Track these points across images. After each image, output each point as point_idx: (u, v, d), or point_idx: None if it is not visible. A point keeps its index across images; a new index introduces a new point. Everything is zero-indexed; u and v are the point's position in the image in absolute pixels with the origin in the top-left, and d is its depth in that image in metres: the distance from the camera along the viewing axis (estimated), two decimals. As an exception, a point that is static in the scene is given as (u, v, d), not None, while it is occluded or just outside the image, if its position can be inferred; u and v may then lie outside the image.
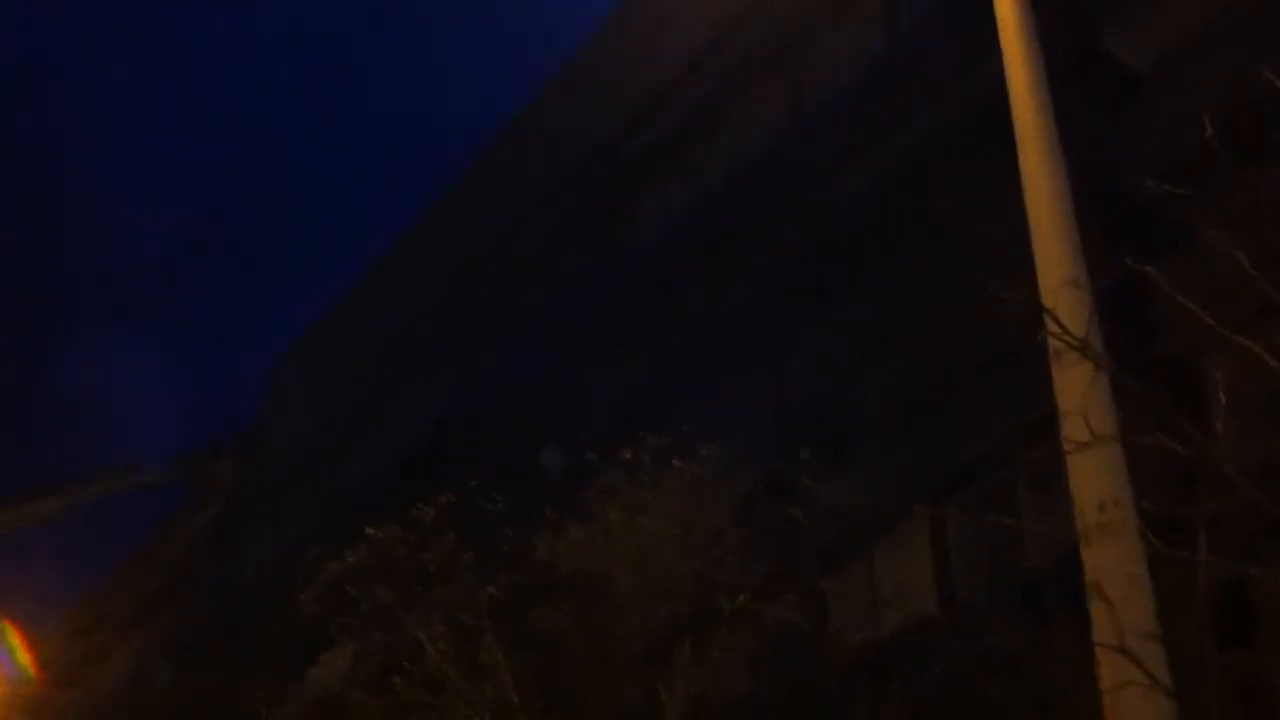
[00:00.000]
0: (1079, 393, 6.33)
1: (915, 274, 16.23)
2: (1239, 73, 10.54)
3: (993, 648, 8.85)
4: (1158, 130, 13.77)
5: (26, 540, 27.08)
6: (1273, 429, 9.08)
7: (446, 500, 15.41)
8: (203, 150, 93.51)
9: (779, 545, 14.30)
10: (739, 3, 21.23)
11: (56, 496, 27.27)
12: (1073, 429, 6.31)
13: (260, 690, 19.71)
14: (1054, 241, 6.98)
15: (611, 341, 21.88)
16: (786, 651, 13.69)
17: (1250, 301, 6.58)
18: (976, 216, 14.01)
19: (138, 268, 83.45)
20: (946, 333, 15.34)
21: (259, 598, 28.24)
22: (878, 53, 18.99)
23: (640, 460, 14.31)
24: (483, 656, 14.42)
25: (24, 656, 28.89)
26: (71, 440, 66.23)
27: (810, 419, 16.99)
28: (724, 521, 14.12)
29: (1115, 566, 6.06)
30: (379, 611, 15.25)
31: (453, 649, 14.61)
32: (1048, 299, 6.67)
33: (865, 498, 8.69)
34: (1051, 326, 6.44)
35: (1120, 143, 13.96)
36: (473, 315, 26.88)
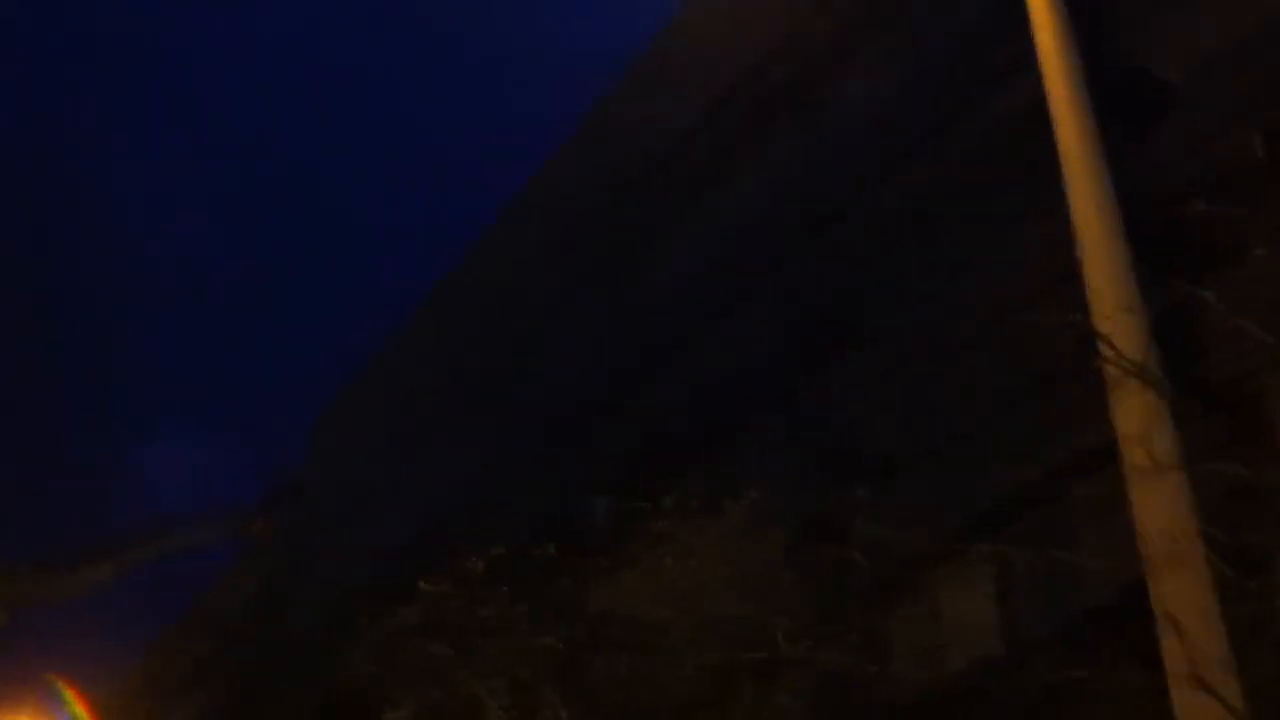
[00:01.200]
0: (1139, 420, 6.21)
1: (948, 301, 16.10)
2: (1277, 83, 10.42)
3: (1058, 684, 8.66)
4: (1194, 145, 13.62)
5: (78, 603, 27.20)
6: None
7: (496, 552, 15.37)
8: (242, 200, 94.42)
9: (833, 585, 14.13)
10: (757, 47, 21.29)
11: (107, 562, 27.37)
12: (1134, 456, 6.18)
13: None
14: (1105, 266, 6.88)
15: (647, 385, 21.82)
16: (849, 694, 13.49)
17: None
18: (1011, 239, 13.94)
19: (181, 327, 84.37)
20: (988, 359, 15.18)
21: (310, 655, 28.22)
22: (905, 73, 18.92)
23: (688, 505, 14.23)
24: (544, 712, 14.31)
25: None
26: (117, 506, 66.74)
27: (855, 453, 16.82)
28: (776, 563, 13.99)
29: (1185, 597, 5.92)
30: (435, 667, 15.18)
31: (513, 703, 14.52)
32: (1102, 325, 6.55)
33: (921, 532, 8.55)
34: (1107, 353, 6.32)
35: (1156, 159, 13.82)
36: (506, 364, 26.90)
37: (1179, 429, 6.44)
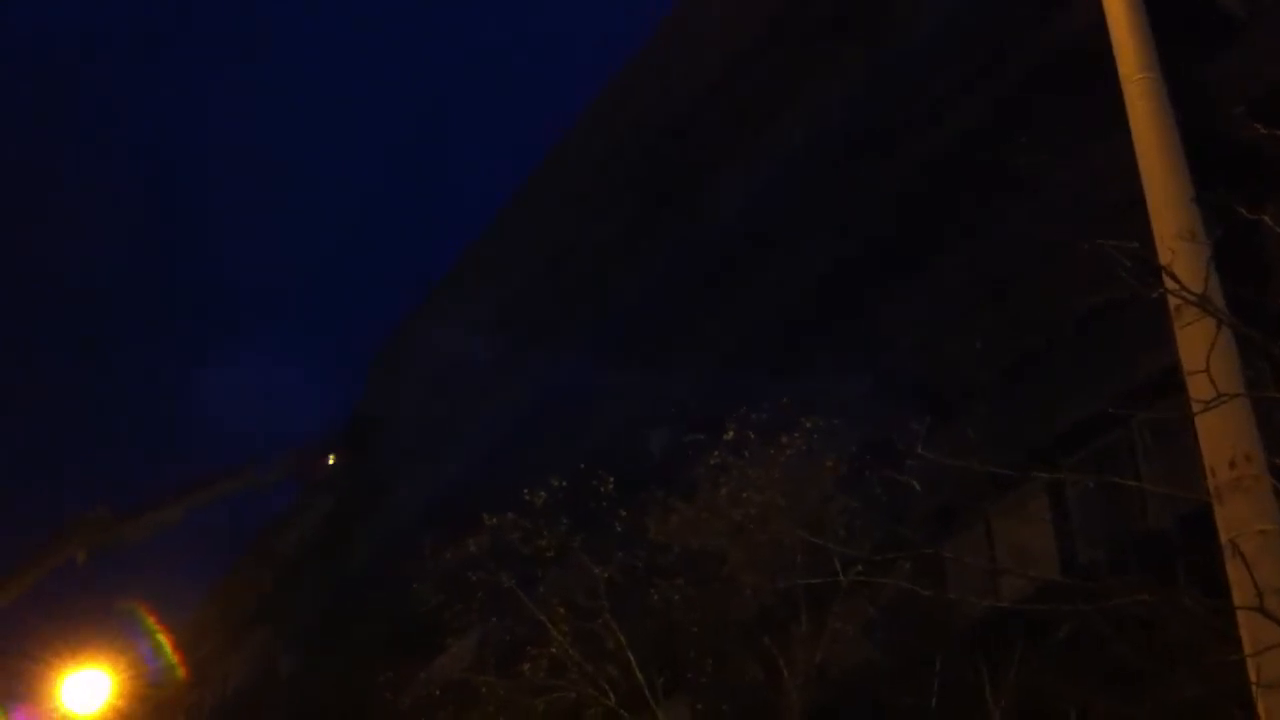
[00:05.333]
0: (1202, 349, 6.15)
1: (1013, 230, 15.98)
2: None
3: (1117, 609, 8.70)
4: (1257, 72, 13.42)
5: (149, 544, 27.87)
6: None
7: (557, 484, 15.57)
8: (301, 153, 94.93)
9: (890, 513, 14.22)
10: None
11: (176, 505, 27.99)
12: (1198, 386, 6.14)
13: (382, 679, 20.04)
14: (1166, 191, 6.77)
15: (704, 319, 21.85)
16: (905, 621, 13.62)
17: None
18: (1073, 166, 13.80)
19: (244, 274, 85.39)
20: (1050, 288, 15.09)
21: (375, 588, 28.71)
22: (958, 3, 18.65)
23: (744, 436, 14.32)
24: (603, 637, 14.56)
25: (172, 657, 29.82)
26: (183, 447, 67.97)
27: (912, 383, 16.82)
28: (831, 492, 14.09)
29: (1250, 525, 5.91)
30: (499, 597, 15.46)
31: (573, 630, 14.77)
32: (1163, 253, 6.48)
33: (980, 460, 8.56)
34: (1169, 282, 6.27)
35: (1218, 86, 13.60)
36: (564, 300, 26.99)
37: (1242, 356, 6.39)
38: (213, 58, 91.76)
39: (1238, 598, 5.72)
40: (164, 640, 29.27)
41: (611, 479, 15.46)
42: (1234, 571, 5.81)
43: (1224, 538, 5.89)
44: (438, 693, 17.66)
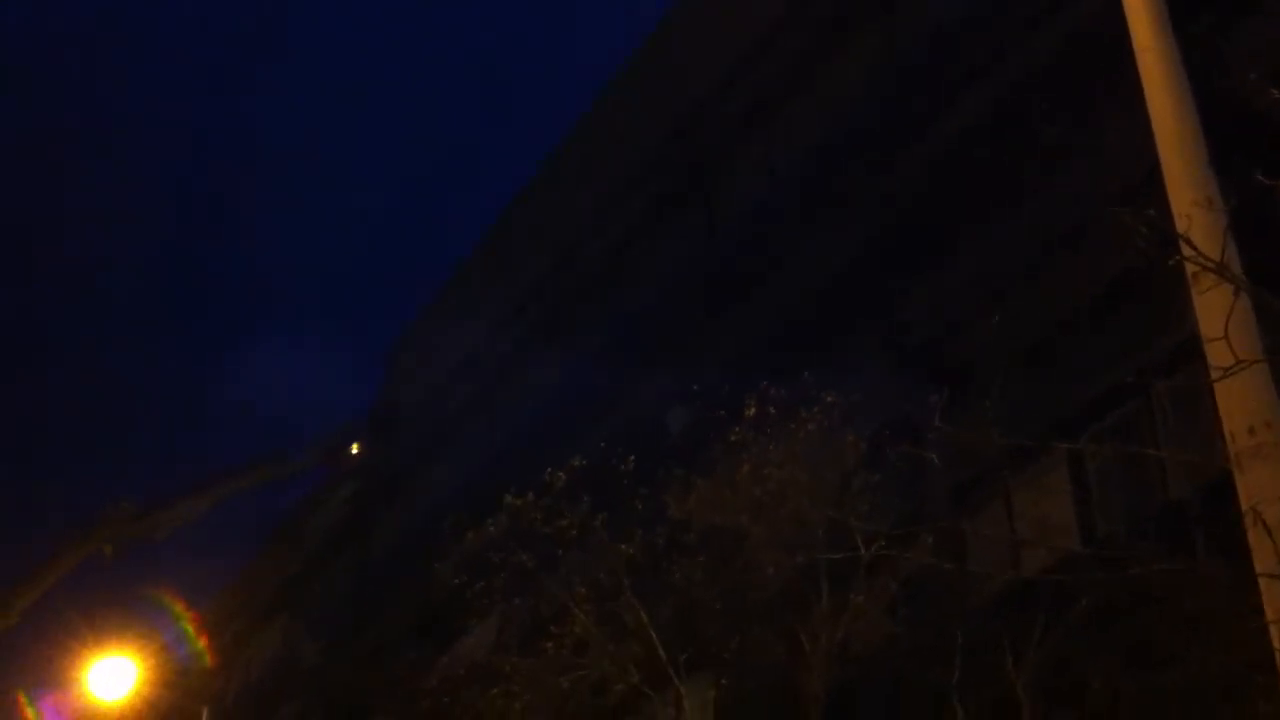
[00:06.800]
0: (1220, 316, 6.14)
1: (1030, 206, 15.93)
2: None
3: (1139, 578, 8.69)
4: (1274, 38, 13.31)
5: (178, 532, 28.08)
6: None
7: (578, 464, 15.61)
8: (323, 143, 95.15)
9: (911, 488, 14.22)
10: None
11: (202, 497, 28.22)
12: (1216, 354, 6.13)
13: (406, 660, 20.18)
14: (1182, 159, 6.74)
15: (727, 298, 21.84)
16: (927, 595, 13.63)
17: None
18: (1093, 142, 13.73)
19: (271, 267, 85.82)
20: (1067, 263, 15.04)
21: (398, 572, 28.86)
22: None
23: (765, 413, 14.33)
24: (625, 616, 14.61)
25: (198, 643, 30.07)
26: (210, 437, 68.50)
27: (932, 359, 16.80)
28: (852, 467, 14.09)
29: (1270, 491, 5.90)
30: (520, 577, 15.53)
31: (595, 609, 14.83)
32: (1179, 221, 6.46)
33: (998, 434, 8.56)
34: (1186, 250, 6.25)
35: (1235, 54, 13.50)
36: (585, 283, 27.00)
37: (1260, 323, 6.37)
38: (240, 58, 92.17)
39: (1259, 564, 5.72)
40: (190, 626, 29.51)
41: (632, 457, 15.50)
42: (1255, 538, 5.80)
43: (1244, 505, 5.88)
44: (461, 673, 17.76)
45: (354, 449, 33.29)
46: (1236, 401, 6.10)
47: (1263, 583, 5.66)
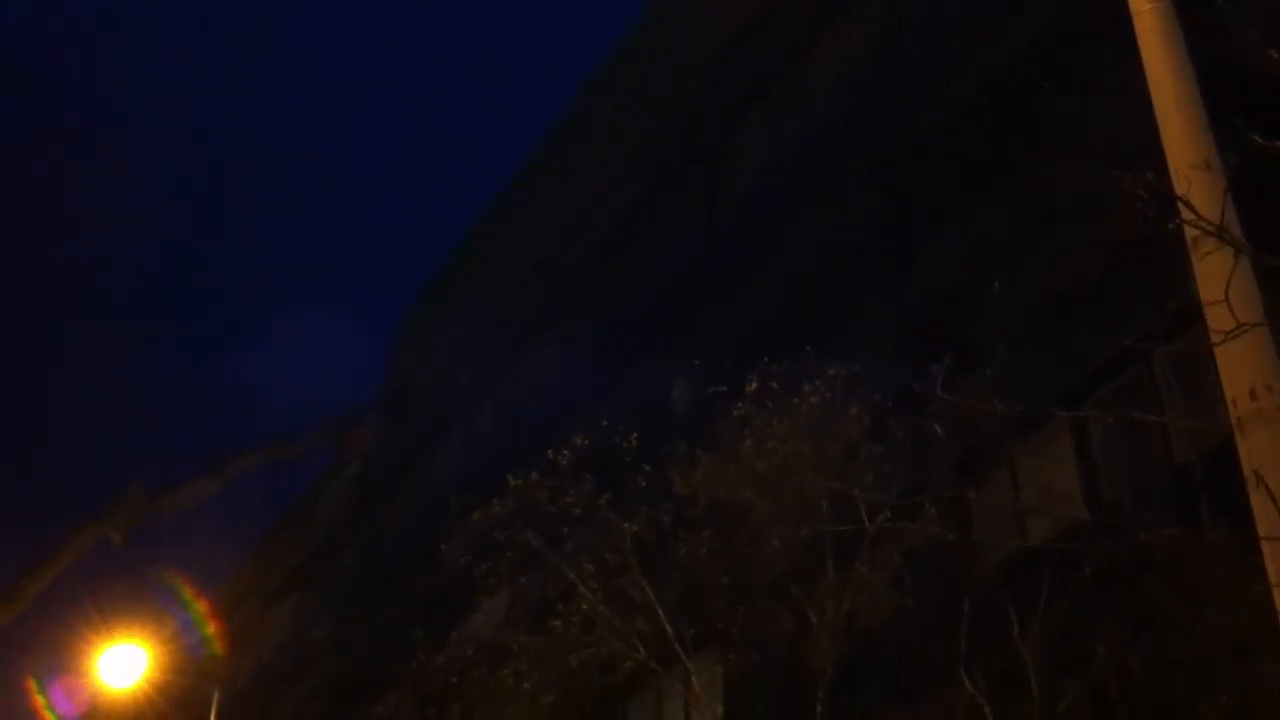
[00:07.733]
0: (1220, 279, 6.08)
1: (1030, 175, 15.84)
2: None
3: (1144, 545, 8.67)
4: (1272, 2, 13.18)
5: (187, 514, 28.18)
6: None
7: (581, 442, 15.60)
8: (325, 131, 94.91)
9: (915, 459, 14.19)
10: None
11: (213, 478, 28.24)
12: (1217, 317, 6.08)
13: (415, 640, 20.21)
14: (1180, 121, 6.68)
15: (730, 273, 21.78)
16: (932, 566, 13.61)
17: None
18: (1095, 107, 13.64)
19: (271, 267, 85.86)
20: (1068, 231, 14.97)
21: (408, 552, 28.91)
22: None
23: (767, 387, 14.30)
24: (632, 593, 14.62)
25: (209, 628, 30.17)
26: (210, 437, 68.74)
27: (935, 330, 16.75)
28: (856, 439, 14.05)
29: (1272, 455, 5.85)
30: (527, 556, 15.54)
31: (602, 587, 14.84)
32: (1178, 184, 6.41)
33: (1000, 403, 8.52)
34: (1185, 212, 6.20)
35: (1232, 14, 13.39)
36: (589, 264, 26.96)
37: (1261, 286, 6.32)
38: (240, 58, 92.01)
39: (1262, 528, 5.68)
40: (200, 610, 29.60)
41: (636, 434, 15.49)
42: (1258, 502, 5.75)
43: (1247, 469, 5.84)
44: (470, 652, 17.80)
45: (362, 431, 33.37)
46: (1237, 365, 6.05)
47: (1265, 546, 5.62)
